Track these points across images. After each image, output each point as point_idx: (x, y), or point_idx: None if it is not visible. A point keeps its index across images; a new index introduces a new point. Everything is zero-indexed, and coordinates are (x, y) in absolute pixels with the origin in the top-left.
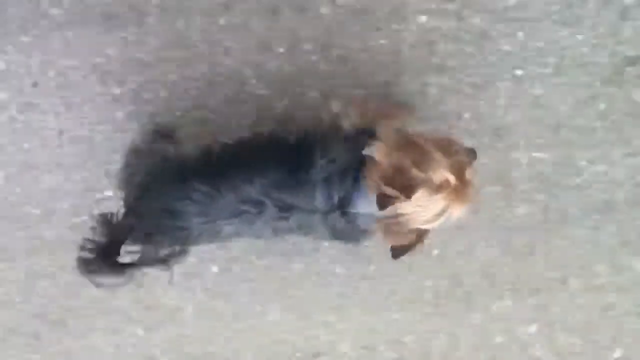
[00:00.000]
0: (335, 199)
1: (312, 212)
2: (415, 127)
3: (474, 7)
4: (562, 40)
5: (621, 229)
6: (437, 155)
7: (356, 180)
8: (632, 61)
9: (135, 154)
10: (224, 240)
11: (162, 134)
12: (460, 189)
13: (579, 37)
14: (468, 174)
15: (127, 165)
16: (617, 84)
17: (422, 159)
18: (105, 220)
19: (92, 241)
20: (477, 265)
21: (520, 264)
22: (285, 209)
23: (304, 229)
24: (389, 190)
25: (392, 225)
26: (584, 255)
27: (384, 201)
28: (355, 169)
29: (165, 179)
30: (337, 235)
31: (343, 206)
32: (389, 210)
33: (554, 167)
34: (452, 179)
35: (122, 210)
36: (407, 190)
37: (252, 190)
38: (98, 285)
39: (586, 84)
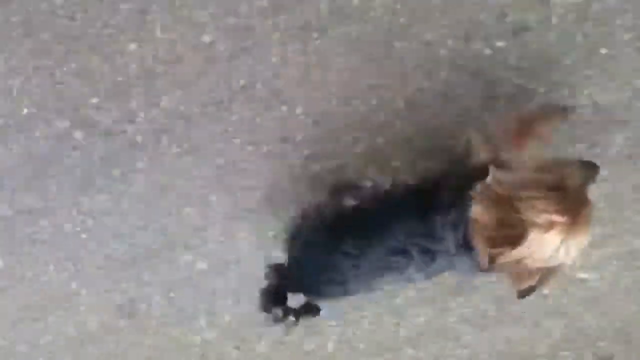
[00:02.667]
0: (460, 238)
1: (448, 252)
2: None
3: None
4: None
5: None
6: (539, 199)
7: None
8: None
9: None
10: (377, 290)
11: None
12: (573, 222)
13: None
14: (585, 195)
15: (297, 225)
16: None
17: (523, 205)
18: (277, 267)
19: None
20: None
21: None
22: (428, 253)
23: (449, 268)
24: (494, 251)
25: (513, 270)
26: None
27: (491, 259)
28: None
29: (322, 235)
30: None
31: (466, 246)
32: (500, 263)
33: None
34: (558, 218)
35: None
36: (514, 241)
37: (396, 241)
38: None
39: None
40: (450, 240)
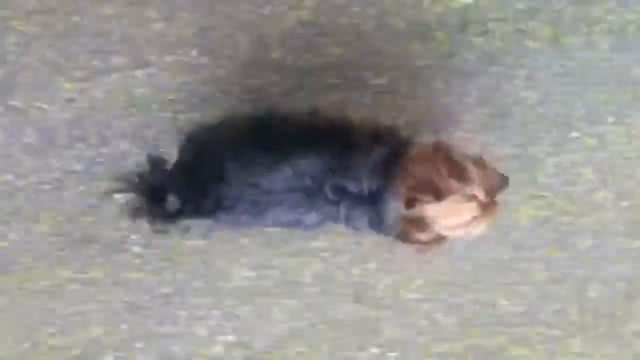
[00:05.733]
0: (374, 188)
1: (359, 198)
2: None
3: None
4: None
5: None
6: (474, 171)
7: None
8: None
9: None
10: (265, 223)
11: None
12: (487, 207)
13: None
14: (497, 196)
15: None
16: None
17: (458, 170)
18: (158, 162)
19: (142, 181)
20: None
21: None
22: (338, 192)
23: (349, 217)
24: (420, 195)
25: (414, 223)
26: None
27: (411, 202)
28: (392, 166)
29: (225, 144)
30: (373, 225)
31: (376, 198)
32: (415, 211)
33: None
34: (482, 195)
35: (176, 160)
36: (440, 193)
37: (309, 167)
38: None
39: None
40: (365, 182)
